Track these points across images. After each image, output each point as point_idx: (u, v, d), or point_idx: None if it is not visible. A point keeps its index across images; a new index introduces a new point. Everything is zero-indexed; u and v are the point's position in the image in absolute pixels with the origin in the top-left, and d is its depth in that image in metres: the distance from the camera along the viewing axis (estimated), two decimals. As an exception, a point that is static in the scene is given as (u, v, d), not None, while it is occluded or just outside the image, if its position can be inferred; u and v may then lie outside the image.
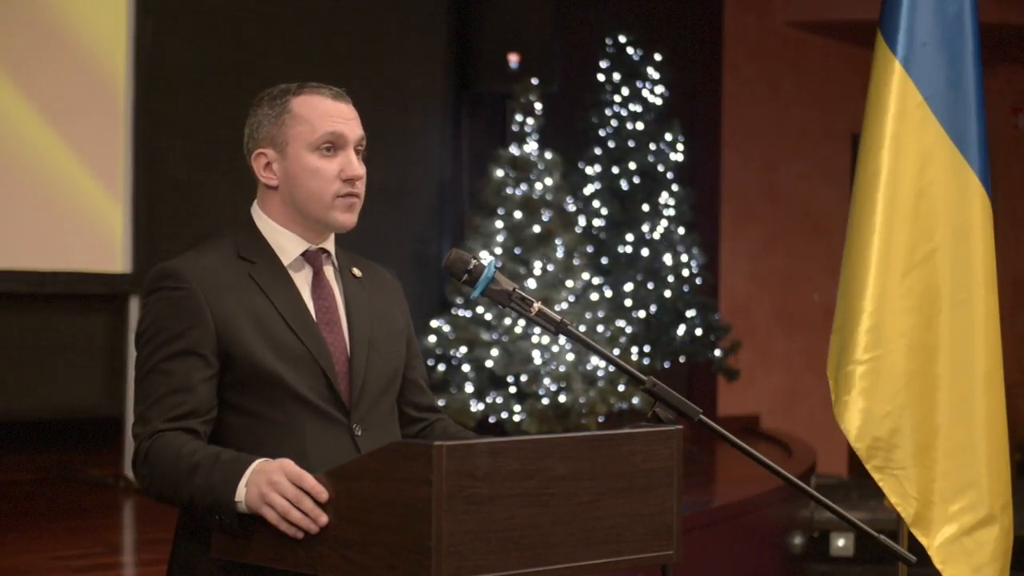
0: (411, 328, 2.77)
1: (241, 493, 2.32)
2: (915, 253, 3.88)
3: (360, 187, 2.60)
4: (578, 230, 8.38)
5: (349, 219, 2.60)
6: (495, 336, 7.81)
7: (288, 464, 2.30)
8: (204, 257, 2.56)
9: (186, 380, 2.46)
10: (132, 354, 2.64)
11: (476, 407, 7.70)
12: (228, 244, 2.60)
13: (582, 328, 7.73)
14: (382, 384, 2.63)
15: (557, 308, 7.71)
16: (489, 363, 7.76)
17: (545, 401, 7.67)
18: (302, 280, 2.61)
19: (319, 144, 2.57)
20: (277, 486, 2.28)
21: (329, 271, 2.66)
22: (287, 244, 2.61)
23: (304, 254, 2.62)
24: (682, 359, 8.98)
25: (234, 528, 2.34)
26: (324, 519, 2.25)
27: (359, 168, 2.59)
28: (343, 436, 2.54)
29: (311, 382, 2.52)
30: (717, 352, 9.01)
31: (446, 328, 7.87)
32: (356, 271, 2.69)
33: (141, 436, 2.45)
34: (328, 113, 2.58)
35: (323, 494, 2.25)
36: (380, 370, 2.62)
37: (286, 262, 2.60)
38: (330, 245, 2.66)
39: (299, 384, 2.51)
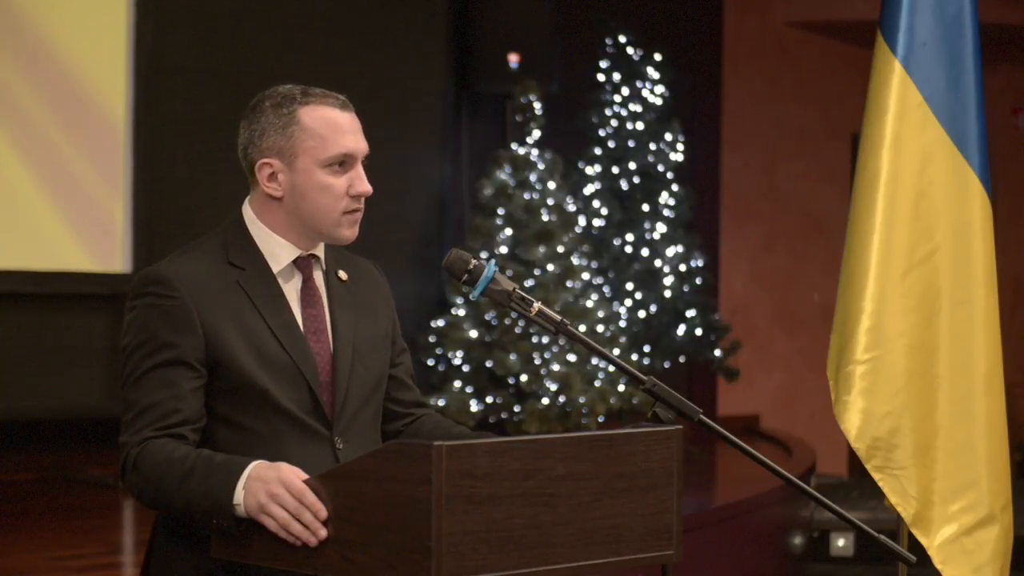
0: (396, 325, 2.75)
1: (239, 496, 2.31)
2: (915, 253, 3.88)
3: (363, 201, 2.59)
4: (578, 230, 8.38)
5: (353, 234, 2.60)
6: (495, 336, 7.81)
7: (287, 476, 2.29)
8: (193, 262, 2.53)
9: (176, 389, 2.43)
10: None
11: (476, 407, 7.69)
12: (217, 247, 2.57)
13: (582, 328, 7.72)
14: (365, 394, 2.61)
15: (557, 308, 7.70)
16: (489, 363, 7.75)
17: (545, 401, 7.66)
18: (291, 288, 2.59)
19: (331, 161, 2.54)
20: (277, 498, 2.28)
21: (318, 276, 2.63)
22: (279, 251, 2.58)
23: (295, 261, 2.60)
24: (682, 359, 8.97)
25: (233, 532, 2.34)
26: (323, 533, 2.25)
27: (368, 186, 2.57)
28: (325, 449, 2.53)
29: (294, 394, 2.51)
30: (717, 352, 9.01)
31: (446, 328, 7.87)
32: (342, 274, 2.67)
33: (130, 444, 2.42)
34: (340, 128, 2.54)
35: (322, 512, 2.25)
36: (363, 380, 2.61)
37: (276, 269, 2.58)
38: (320, 250, 2.64)
39: (283, 396, 2.49)
